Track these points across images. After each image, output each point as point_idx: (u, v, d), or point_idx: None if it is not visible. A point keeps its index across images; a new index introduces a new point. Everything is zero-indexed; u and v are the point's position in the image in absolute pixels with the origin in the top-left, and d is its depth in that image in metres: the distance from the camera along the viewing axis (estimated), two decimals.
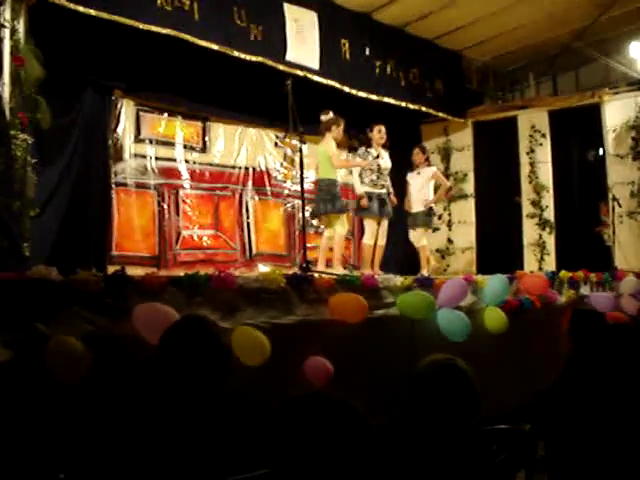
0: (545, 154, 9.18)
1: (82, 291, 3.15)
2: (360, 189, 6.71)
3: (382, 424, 1.37)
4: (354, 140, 8.03)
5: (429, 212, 7.28)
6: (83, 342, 2.88)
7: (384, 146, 6.79)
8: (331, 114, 6.35)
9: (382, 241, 6.75)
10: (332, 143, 6.26)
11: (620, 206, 8.07)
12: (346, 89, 7.63)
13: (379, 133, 6.70)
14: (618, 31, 8.58)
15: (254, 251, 8.10)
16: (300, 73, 7.03)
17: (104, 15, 5.53)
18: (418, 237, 7.25)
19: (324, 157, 6.27)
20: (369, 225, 6.76)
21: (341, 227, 6.28)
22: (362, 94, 7.85)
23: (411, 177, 7.42)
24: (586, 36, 8.69)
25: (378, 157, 6.65)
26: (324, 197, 6.14)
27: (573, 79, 10.19)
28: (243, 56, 6.57)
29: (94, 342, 2.98)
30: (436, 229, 9.66)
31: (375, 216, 6.66)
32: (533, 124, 9.25)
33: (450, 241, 9.81)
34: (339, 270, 5.91)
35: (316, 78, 7.26)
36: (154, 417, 1.93)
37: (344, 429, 1.26)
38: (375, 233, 6.69)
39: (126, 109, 7.16)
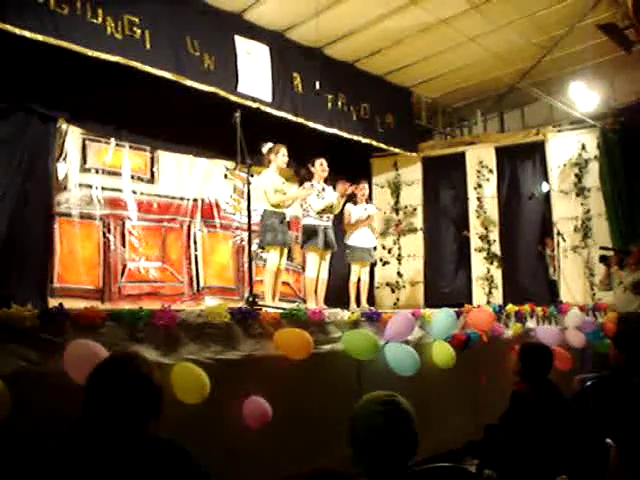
0: (492, 189, 9.37)
1: (15, 326, 3.01)
2: (304, 221, 6.58)
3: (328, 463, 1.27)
4: (297, 174, 7.92)
5: (371, 247, 7.26)
6: (9, 379, 2.74)
7: (326, 180, 6.60)
8: (269, 145, 6.18)
9: (324, 274, 6.62)
10: (270, 178, 6.07)
11: (565, 241, 8.26)
12: (300, 121, 7.67)
13: (321, 166, 6.52)
14: (560, 72, 8.87)
15: (202, 284, 7.93)
16: (253, 104, 7.02)
17: (52, 41, 5.45)
18: (357, 271, 7.16)
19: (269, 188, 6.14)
20: (312, 258, 6.50)
21: (272, 260, 6.04)
22: (315, 126, 7.89)
23: (354, 211, 7.23)
24: (531, 76, 8.96)
25: (324, 190, 6.55)
26: (269, 228, 6.04)
27: (519, 116, 10.46)
28: (196, 85, 6.54)
29: (25, 378, 2.86)
30: (386, 263, 9.72)
31: (319, 249, 6.45)
32: (480, 160, 9.45)
33: (400, 274, 9.83)
34: (270, 302, 5.77)
35: (268, 110, 7.27)
36: (79, 459, 1.82)
37: None
38: (318, 266, 6.51)
39: (71, 137, 6.95)
